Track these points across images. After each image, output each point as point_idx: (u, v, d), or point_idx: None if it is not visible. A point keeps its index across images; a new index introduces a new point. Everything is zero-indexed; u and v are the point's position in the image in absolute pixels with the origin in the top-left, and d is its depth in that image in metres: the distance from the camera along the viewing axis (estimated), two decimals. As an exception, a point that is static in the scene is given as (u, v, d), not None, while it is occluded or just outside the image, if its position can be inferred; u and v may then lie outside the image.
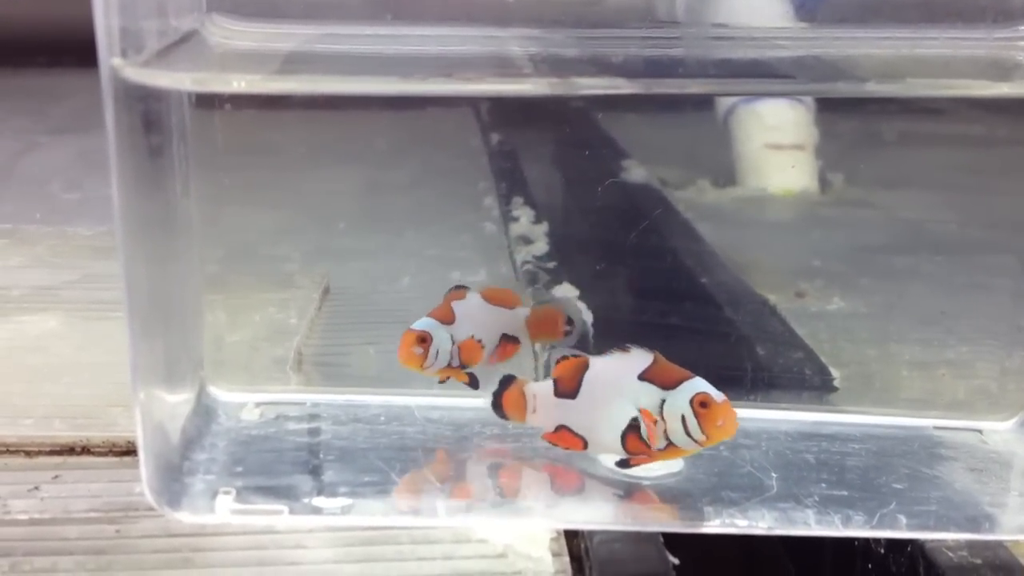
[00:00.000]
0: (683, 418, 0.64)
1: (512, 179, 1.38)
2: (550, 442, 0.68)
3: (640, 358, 0.67)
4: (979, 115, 1.03)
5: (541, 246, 1.14)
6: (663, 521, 0.65)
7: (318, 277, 1.03)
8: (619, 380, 0.67)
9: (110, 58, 0.56)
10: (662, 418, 0.65)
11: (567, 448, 0.68)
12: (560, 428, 0.68)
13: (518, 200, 1.27)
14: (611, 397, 0.66)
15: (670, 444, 0.65)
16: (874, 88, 0.69)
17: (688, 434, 0.63)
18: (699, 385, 0.64)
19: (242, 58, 0.71)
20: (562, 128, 1.22)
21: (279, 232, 1.12)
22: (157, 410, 0.65)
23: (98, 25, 0.56)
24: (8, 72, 2.31)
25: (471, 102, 1.50)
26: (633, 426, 0.65)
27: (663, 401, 0.65)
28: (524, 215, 1.22)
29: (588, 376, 0.68)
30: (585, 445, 0.67)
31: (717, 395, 0.64)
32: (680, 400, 0.64)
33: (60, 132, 1.81)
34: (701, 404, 0.63)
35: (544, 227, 1.18)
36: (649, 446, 0.65)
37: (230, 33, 0.72)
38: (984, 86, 0.71)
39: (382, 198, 1.28)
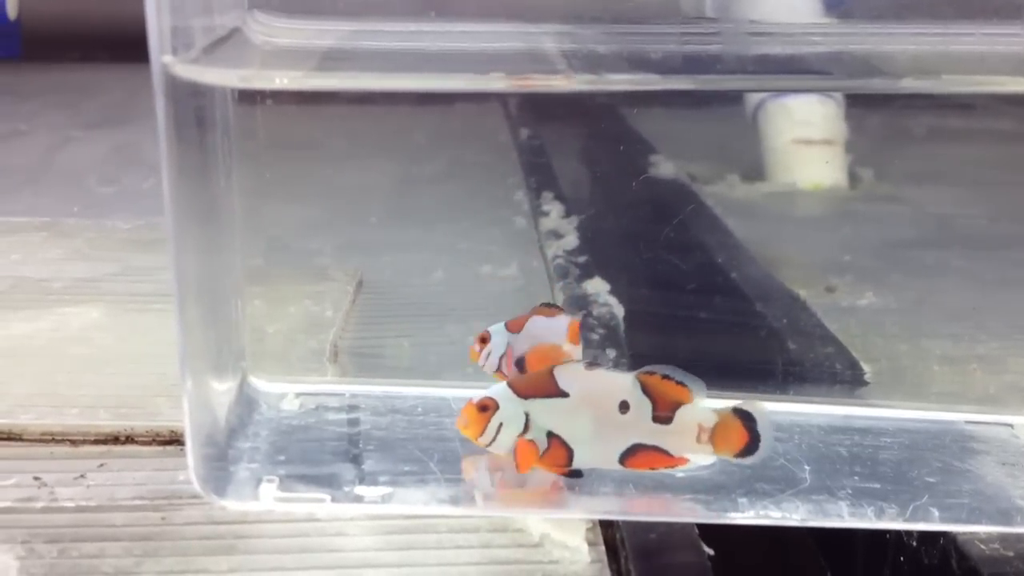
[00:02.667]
0: None
1: (542, 174, 1.38)
2: None
3: None
4: (1010, 110, 1.03)
5: (571, 240, 1.14)
6: (697, 512, 0.66)
7: (352, 270, 1.04)
8: None
9: (161, 55, 0.58)
10: None
11: None
12: None
13: (548, 195, 1.28)
14: None
15: None
16: (910, 84, 0.70)
17: None
18: None
19: (283, 55, 0.72)
20: (590, 123, 1.23)
21: (313, 226, 1.14)
22: (203, 399, 0.66)
23: (150, 23, 0.57)
24: (42, 68, 2.34)
25: (499, 97, 1.50)
26: None
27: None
28: (554, 210, 1.22)
29: None
30: None
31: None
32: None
33: (94, 127, 1.84)
34: None
35: (574, 221, 1.19)
36: None
37: (271, 30, 0.73)
38: (1020, 83, 0.71)
39: (412, 192, 1.29)
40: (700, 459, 0.68)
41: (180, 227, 0.61)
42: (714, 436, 0.66)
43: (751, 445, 0.66)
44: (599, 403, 0.66)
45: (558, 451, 0.66)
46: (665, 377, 0.66)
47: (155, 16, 0.57)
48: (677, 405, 0.66)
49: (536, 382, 0.67)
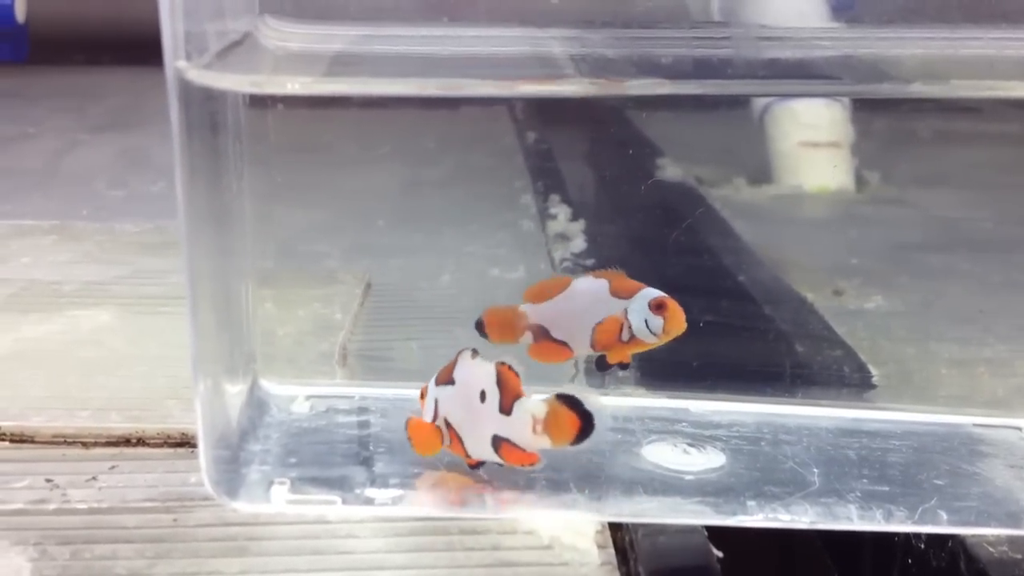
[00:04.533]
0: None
1: (549, 177, 1.39)
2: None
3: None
4: (1016, 114, 1.03)
5: (579, 243, 1.15)
6: (707, 515, 0.66)
7: (360, 273, 1.05)
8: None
9: (175, 60, 0.58)
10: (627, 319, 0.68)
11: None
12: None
13: (555, 198, 1.28)
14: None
15: (633, 338, 0.69)
16: (919, 89, 0.70)
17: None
18: (653, 292, 0.69)
19: (295, 59, 0.73)
20: (596, 126, 1.23)
21: (321, 228, 1.14)
22: (215, 402, 0.66)
23: (164, 29, 0.57)
24: (49, 71, 2.35)
25: (506, 101, 1.51)
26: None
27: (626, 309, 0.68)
28: (561, 213, 1.23)
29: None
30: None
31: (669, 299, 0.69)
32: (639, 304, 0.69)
33: (101, 130, 1.85)
34: (658, 306, 0.68)
35: (581, 224, 1.19)
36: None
37: (283, 35, 0.73)
38: (1029, 87, 0.71)
39: (420, 196, 1.30)
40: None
41: (193, 230, 0.62)
42: (547, 426, 0.65)
43: (585, 429, 0.65)
44: (468, 391, 0.67)
45: (453, 438, 0.67)
46: (510, 368, 0.66)
47: (169, 21, 0.57)
48: (517, 396, 0.66)
49: (444, 369, 0.68)
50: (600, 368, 0.72)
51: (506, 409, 0.66)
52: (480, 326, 0.73)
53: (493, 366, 0.66)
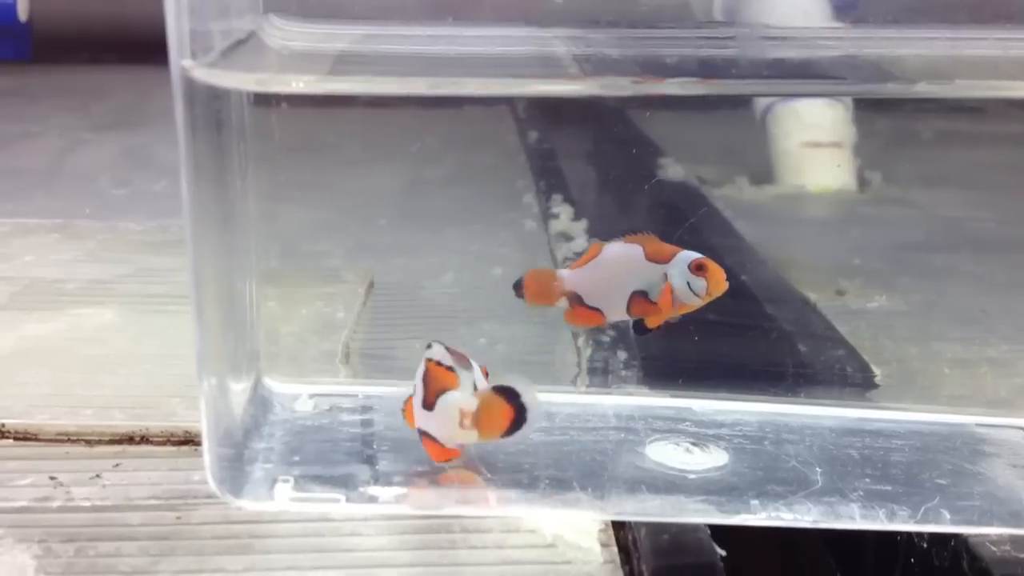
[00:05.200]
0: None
1: (551, 177, 1.39)
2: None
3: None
4: (1019, 114, 1.03)
5: (581, 243, 1.15)
6: (710, 513, 0.66)
7: (363, 272, 1.05)
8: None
9: (180, 59, 0.58)
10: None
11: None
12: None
13: (557, 197, 1.28)
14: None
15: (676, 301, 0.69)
16: (924, 89, 0.70)
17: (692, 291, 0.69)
18: (691, 254, 0.69)
19: (298, 58, 0.73)
20: (599, 126, 1.24)
21: (324, 228, 1.14)
22: (220, 400, 0.67)
23: (169, 27, 0.57)
24: (52, 70, 2.35)
25: (508, 100, 1.51)
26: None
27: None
28: (564, 212, 1.23)
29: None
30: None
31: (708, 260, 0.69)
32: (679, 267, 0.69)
33: (105, 129, 1.85)
34: (698, 267, 0.69)
35: (584, 224, 1.19)
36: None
37: (287, 34, 0.74)
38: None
39: (423, 195, 1.30)
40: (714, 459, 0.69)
41: (197, 229, 0.62)
42: (478, 419, 0.65)
43: (518, 420, 0.65)
44: (416, 391, 0.67)
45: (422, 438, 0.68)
46: (438, 363, 0.66)
47: (174, 20, 0.57)
48: (441, 391, 0.65)
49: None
50: (639, 332, 0.72)
51: (429, 404, 0.66)
52: (519, 287, 0.73)
53: (423, 363, 0.66)
